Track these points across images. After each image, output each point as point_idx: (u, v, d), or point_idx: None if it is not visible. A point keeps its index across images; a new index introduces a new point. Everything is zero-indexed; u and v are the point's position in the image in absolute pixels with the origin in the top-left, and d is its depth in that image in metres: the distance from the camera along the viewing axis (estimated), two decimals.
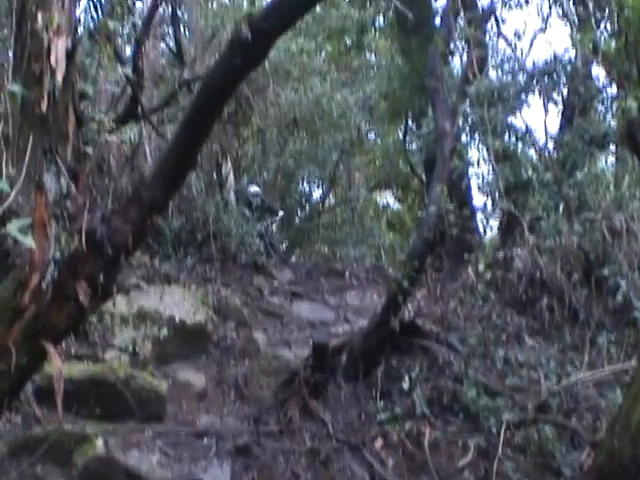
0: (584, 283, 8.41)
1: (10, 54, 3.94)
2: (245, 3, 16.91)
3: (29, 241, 3.29)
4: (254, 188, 15.22)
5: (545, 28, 11.03)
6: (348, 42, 23.11)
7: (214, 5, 16.92)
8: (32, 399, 6.78)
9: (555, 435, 6.44)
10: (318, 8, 18.82)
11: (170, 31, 13.64)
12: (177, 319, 9.26)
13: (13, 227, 3.27)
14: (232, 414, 8.12)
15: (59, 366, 3.73)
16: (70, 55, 3.83)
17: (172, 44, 13.76)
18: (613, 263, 8.29)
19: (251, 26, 3.78)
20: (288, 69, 15.56)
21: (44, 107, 3.70)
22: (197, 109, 4.12)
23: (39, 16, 3.78)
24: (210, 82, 4.18)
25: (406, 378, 7.56)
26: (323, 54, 20.52)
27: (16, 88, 3.70)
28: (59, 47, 3.79)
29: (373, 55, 24.35)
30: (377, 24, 22.91)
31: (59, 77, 3.76)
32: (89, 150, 4.00)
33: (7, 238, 3.47)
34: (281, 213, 16.46)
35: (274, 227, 16.56)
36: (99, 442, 5.96)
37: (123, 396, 7.17)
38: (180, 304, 9.47)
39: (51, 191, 3.68)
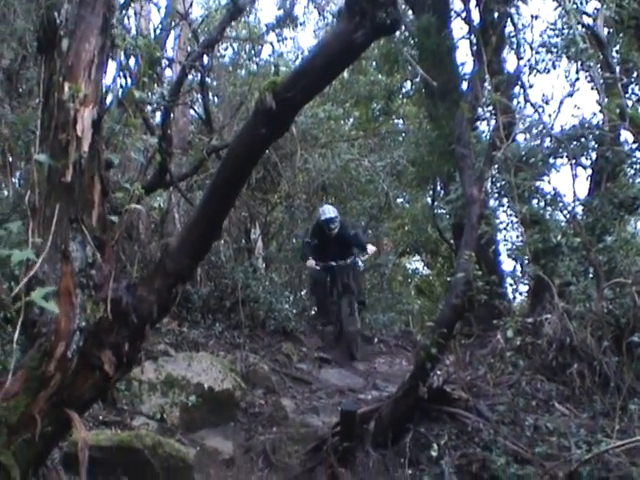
0: (615, 349, 8.31)
1: (38, 124, 3.99)
2: (273, 70, 17.09)
3: (54, 308, 3.30)
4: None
5: (572, 93, 11.02)
6: (376, 108, 23.28)
7: (242, 72, 17.12)
8: (59, 467, 6.76)
9: None
10: (346, 74, 19.02)
11: (199, 98, 13.79)
12: (205, 386, 9.23)
13: (37, 295, 3.28)
14: None
15: (84, 435, 3.72)
16: (96, 125, 3.87)
17: (201, 111, 13.91)
18: None
19: (275, 95, 3.81)
20: (316, 135, 15.65)
21: (70, 176, 3.72)
22: (222, 179, 4.14)
23: (66, 86, 3.83)
24: (235, 151, 4.21)
25: (435, 446, 7.47)
26: (351, 120, 20.67)
27: (43, 158, 3.74)
28: (85, 117, 3.83)
29: (401, 121, 24.52)
30: (405, 90, 23.08)
31: (85, 147, 3.79)
32: (115, 219, 4.02)
33: (33, 307, 3.48)
34: None
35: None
36: None
37: (150, 464, 7.13)
38: (208, 371, 9.45)
39: (77, 260, 3.69)
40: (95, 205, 3.82)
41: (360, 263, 14.94)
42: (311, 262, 13.99)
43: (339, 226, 14.18)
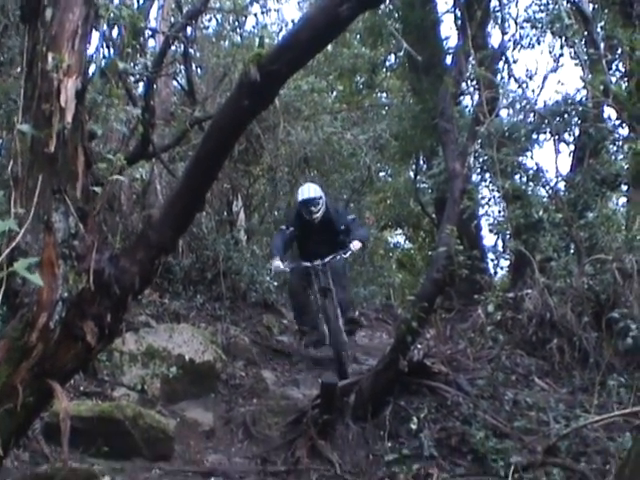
0: (594, 325, 8.37)
1: (21, 93, 3.97)
2: (257, 42, 17.00)
3: (37, 280, 3.29)
4: None
5: (556, 68, 11.05)
6: (359, 81, 23.25)
7: (226, 44, 17.03)
8: (40, 436, 6.78)
9: (564, 478, 6.37)
10: (330, 47, 18.94)
11: (182, 69, 13.72)
12: (186, 358, 9.25)
13: (21, 266, 3.27)
14: (240, 453, 8.08)
15: (66, 406, 3.73)
16: (80, 95, 3.85)
17: (184, 82, 13.84)
18: (624, 305, 8.25)
19: (260, 67, 3.80)
20: (299, 107, 15.60)
21: (53, 147, 3.71)
22: (206, 150, 4.13)
23: (49, 56, 3.81)
24: (219, 123, 4.20)
25: (414, 419, 7.51)
26: (334, 93, 20.62)
27: (26, 128, 3.72)
28: (69, 87, 3.81)
29: (384, 94, 24.50)
30: (388, 64, 23.06)
31: (68, 117, 3.77)
32: (98, 190, 4.01)
33: (15, 277, 3.47)
34: None
35: None
36: None
37: (131, 434, 7.16)
38: (189, 342, 9.46)
39: (59, 231, 3.68)
40: (79, 176, 3.81)
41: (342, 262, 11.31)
42: (276, 263, 10.98)
43: (324, 209, 11.33)
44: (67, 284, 3.66)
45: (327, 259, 10.85)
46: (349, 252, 11.06)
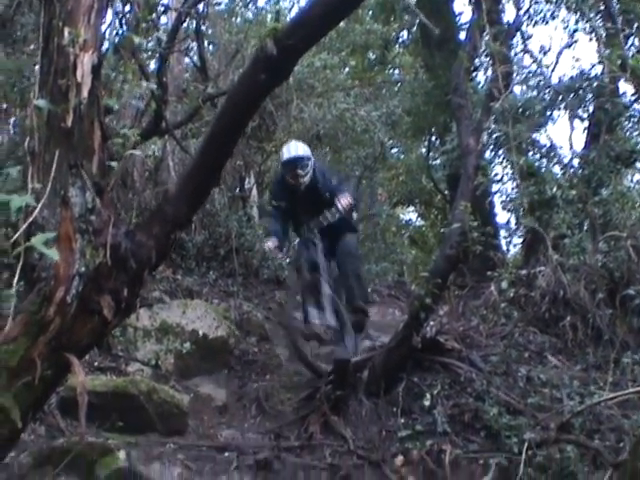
0: (608, 302, 8.36)
1: (34, 70, 3.97)
2: (269, 18, 16.96)
3: (54, 255, 3.31)
4: None
5: (572, 44, 10.99)
6: (372, 57, 23.17)
7: (238, 20, 16.98)
8: (56, 411, 6.83)
9: (577, 455, 6.38)
10: (342, 23, 18.88)
11: (194, 46, 13.69)
12: (200, 333, 9.27)
13: (38, 241, 3.29)
14: (253, 429, 8.12)
15: (83, 379, 3.74)
16: (96, 70, 3.85)
17: (196, 59, 13.82)
18: (638, 282, 8.24)
19: (277, 41, 3.79)
20: (312, 84, 15.55)
21: (70, 122, 3.71)
22: (221, 125, 4.13)
23: (65, 31, 3.80)
24: (234, 98, 4.19)
25: (427, 395, 7.54)
26: (347, 69, 20.56)
27: (42, 103, 3.73)
28: (85, 62, 3.81)
29: (397, 71, 24.41)
30: (401, 40, 22.97)
31: (85, 92, 3.77)
32: (114, 164, 4.01)
33: (33, 252, 3.49)
34: None
35: None
36: (121, 454, 5.97)
37: (145, 409, 7.19)
38: (202, 318, 9.47)
39: (76, 205, 3.69)
40: (95, 151, 3.81)
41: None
42: (270, 244, 10.03)
43: (311, 173, 9.66)
44: (84, 259, 3.67)
45: (313, 223, 9.56)
46: (337, 214, 9.48)
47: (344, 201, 9.38)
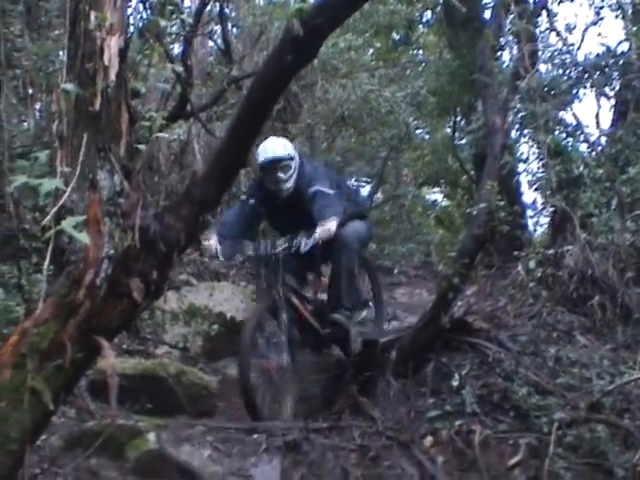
0: (637, 281, 8.32)
1: (60, 55, 3.99)
2: (293, 0, 16.93)
3: (84, 238, 3.33)
4: None
5: (597, 21, 10.88)
6: (396, 38, 23.09)
7: (262, 2, 16.96)
8: (86, 394, 6.88)
9: (608, 435, 6.36)
10: (366, 4, 18.81)
11: (218, 29, 13.70)
12: (227, 316, 9.31)
13: (68, 224, 3.31)
14: None
15: (113, 362, 3.76)
16: (123, 53, 3.86)
17: (220, 42, 13.83)
18: None
19: (303, 22, 3.78)
20: (336, 65, 15.55)
21: (98, 105, 3.73)
22: (248, 107, 4.13)
23: (92, 16, 3.82)
24: (261, 79, 4.19)
25: (456, 376, 7.52)
26: (371, 50, 20.51)
27: (70, 87, 3.74)
28: (112, 46, 3.82)
29: (421, 51, 24.32)
30: (425, 19, 22.88)
31: (112, 75, 3.78)
32: (141, 147, 4.03)
33: (62, 236, 3.50)
34: None
35: None
36: (151, 437, 5.99)
37: (174, 392, 7.25)
38: (230, 301, 9.52)
39: (105, 188, 3.71)
40: (122, 134, 3.83)
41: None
42: (209, 242, 7.70)
43: (295, 177, 8.08)
44: (113, 241, 3.69)
45: (278, 249, 7.68)
46: (311, 242, 7.52)
47: (322, 231, 7.44)
